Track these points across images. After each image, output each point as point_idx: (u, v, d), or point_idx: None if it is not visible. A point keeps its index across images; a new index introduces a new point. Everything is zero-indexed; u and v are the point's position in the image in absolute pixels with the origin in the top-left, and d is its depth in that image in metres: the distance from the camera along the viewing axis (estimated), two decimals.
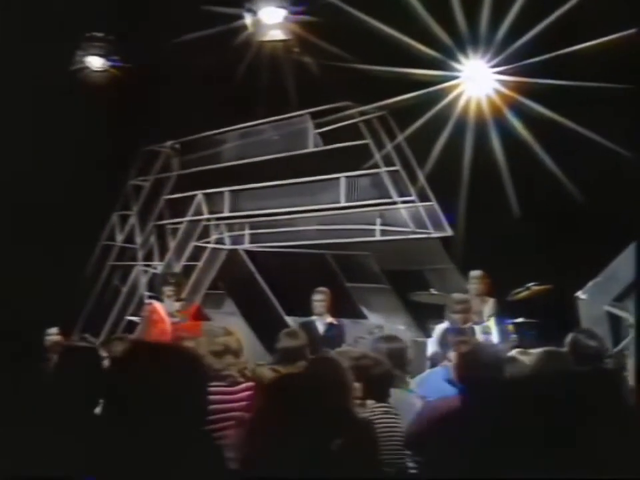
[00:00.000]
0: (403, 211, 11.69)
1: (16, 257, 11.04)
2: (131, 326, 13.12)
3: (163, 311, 10.08)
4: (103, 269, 14.59)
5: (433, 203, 11.54)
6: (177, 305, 10.16)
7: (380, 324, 10.94)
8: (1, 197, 11.01)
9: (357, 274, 12.36)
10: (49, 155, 11.26)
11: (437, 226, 11.48)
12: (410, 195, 11.65)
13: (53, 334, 10.23)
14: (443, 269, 11.62)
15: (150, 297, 12.41)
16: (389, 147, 11.68)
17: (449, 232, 11.33)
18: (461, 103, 10.01)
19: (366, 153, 11.85)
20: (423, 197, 11.60)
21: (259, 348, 11.90)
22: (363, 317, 12.23)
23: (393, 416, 5.44)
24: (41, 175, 11.33)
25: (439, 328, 9.47)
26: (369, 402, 5.48)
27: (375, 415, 5.37)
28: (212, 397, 5.38)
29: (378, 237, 11.96)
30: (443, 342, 6.25)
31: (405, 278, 11.82)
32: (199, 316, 10.65)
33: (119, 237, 14.71)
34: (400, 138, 11.45)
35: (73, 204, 12.03)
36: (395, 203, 11.77)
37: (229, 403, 5.72)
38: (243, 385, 5.92)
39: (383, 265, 12.22)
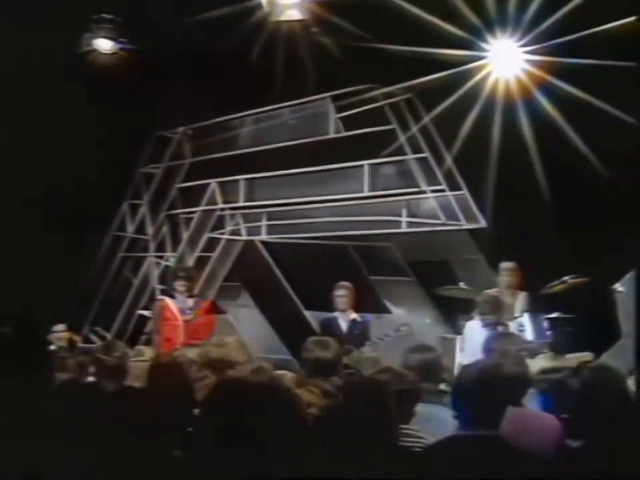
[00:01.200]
0: (432, 200, 11.26)
1: (22, 248, 10.95)
2: (142, 320, 12.94)
3: (175, 308, 9.95)
4: (113, 260, 14.44)
5: (464, 192, 11.04)
6: (190, 301, 10.03)
7: (406, 322, 10.49)
8: (9, 187, 11.01)
9: (380, 266, 12.06)
10: (56, 143, 11.17)
11: (469, 216, 10.99)
12: (439, 184, 11.18)
13: (59, 331, 9.88)
14: (471, 259, 11.23)
15: (162, 292, 12.10)
16: (415, 129, 11.26)
17: (482, 223, 10.84)
18: (489, 83, 9.71)
19: (391, 138, 11.44)
20: (453, 186, 11.11)
21: (276, 342, 11.74)
22: (387, 311, 11.95)
23: (414, 439, 4.91)
24: (48, 163, 11.21)
25: (471, 326, 9.18)
26: None
27: None
28: None
29: (405, 229, 11.58)
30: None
31: (430, 270, 11.51)
32: (213, 310, 10.69)
33: (130, 228, 14.54)
34: (426, 119, 11.02)
35: (81, 193, 11.85)
36: (423, 192, 11.34)
37: None
38: None
39: (407, 257, 11.87)
